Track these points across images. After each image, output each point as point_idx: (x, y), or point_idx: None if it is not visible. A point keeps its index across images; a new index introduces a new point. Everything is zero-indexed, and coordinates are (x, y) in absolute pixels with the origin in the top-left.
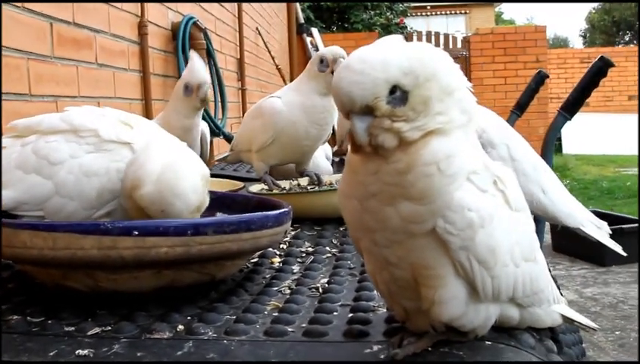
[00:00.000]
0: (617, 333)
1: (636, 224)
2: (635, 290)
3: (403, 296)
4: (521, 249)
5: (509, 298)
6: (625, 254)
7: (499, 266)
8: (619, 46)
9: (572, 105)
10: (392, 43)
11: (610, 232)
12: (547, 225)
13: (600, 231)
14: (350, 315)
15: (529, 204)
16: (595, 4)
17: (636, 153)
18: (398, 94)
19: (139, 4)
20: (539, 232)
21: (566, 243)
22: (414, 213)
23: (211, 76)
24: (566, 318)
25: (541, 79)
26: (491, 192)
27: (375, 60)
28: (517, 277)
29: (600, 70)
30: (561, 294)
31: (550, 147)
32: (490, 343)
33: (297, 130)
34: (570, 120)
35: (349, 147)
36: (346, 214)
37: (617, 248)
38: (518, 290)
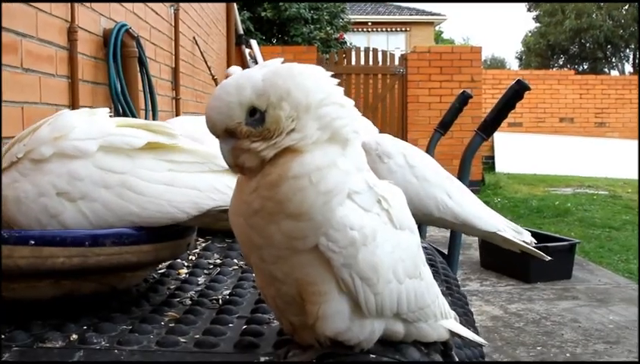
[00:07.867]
0: (539, 348)
1: (561, 243)
2: (557, 306)
3: (289, 311)
4: (404, 266)
5: (394, 313)
6: (548, 257)
7: (382, 283)
8: (553, 69)
9: (489, 126)
10: (256, 68)
11: (535, 241)
12: (477, 242)
13: (520, 236)
14: (245, 326)
15: (435, 209)
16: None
17: (565, 174)
18: (257, 116)
19: (69, 9)
20: (455, 247)
21: (493, 260)
22: (295, 229)
23: (143, 85)
24: (453, 333)
25: (464, 99)
26: (375, 211)
27: (231, 85)
28: (401, 293)
29: (516, 93)
30: (468, 310)
31: (467, 165)
32: (374, 356)
33: None
34: (487, 139)
35: None
36: (235, 231)
37: (539, 253)
38: (402, 306)
